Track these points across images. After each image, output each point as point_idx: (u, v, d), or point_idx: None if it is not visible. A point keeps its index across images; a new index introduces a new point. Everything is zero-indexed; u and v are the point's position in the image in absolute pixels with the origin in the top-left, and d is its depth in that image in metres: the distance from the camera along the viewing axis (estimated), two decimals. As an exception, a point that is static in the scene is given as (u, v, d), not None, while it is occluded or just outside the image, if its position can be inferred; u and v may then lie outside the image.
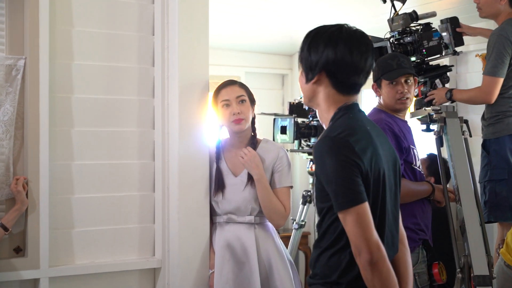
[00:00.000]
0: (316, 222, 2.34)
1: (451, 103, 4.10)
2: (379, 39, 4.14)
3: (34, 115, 3.23)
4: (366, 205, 2.11)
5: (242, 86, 3.40)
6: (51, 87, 3.27)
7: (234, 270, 3.30)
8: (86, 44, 3.40)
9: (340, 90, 2.26)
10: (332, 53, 2.18)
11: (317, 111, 2.37)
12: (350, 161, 2.12)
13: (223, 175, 3.39)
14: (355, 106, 2.30)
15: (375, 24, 5.05)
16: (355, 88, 2.27)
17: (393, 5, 4.18)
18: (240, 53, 6.41)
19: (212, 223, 3.45)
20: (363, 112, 2.34)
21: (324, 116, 2.31)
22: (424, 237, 3.58)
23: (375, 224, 2.14)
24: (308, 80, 2.29)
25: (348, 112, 2.26)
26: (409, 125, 3.71)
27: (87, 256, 3.41)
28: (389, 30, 4.16)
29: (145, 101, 3.51)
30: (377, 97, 3.72)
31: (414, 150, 3.61)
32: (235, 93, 3.34)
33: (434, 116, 3.82)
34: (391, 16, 4.15)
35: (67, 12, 3.34)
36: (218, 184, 3.40)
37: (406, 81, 3.59)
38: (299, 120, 4.50)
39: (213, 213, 3.43)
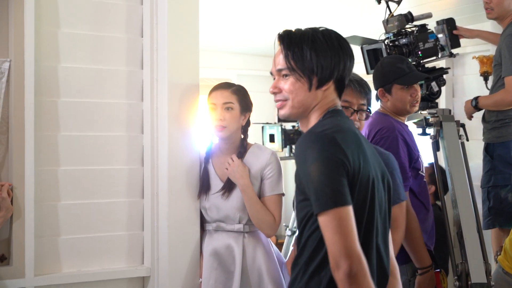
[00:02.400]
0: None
1: (477, 111, 4.19)
2: (374, 41, 4.17)
3: (19, 119, 3.22)
4: (350, 209, 1.96)
5: (236, 92, 3.38)
6: (37, 90, 3.26)
7: (221, 280, 3.31)
8: (73, 46, 3.40)
9: (339, 93, 2.26)
10: (349, 60, 2.21)
11: (300, 122, 2.31)
12: (336, 158, 2.00)
13: (209, 178, 3.40)
14: (341, 110, 2.26)
15: (369, 25, 5.06)
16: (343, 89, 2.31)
17: (388, 6, 4.21)
18: (232, 55, 6.44)
19: (203, 230, 3.45)
20: (348, 117, 2.35)
21: (312, 123, 2.24)
22: (428, 248, 3.57)
23: (359, 238, 1.98)
24: (314, 86, 2.22)
25: (336, 115, 2.20)
26: (410, 130, 3.73)
27: (74, 265, 3.39)
28: (384, 31, 4.18)
29: (134, 104, 3.50)
30: (380, 102, 3.74)
31: (420, 157, 3.63)
32: (223, 99, 3.33)
33: (430, 119, 3.85)
34: (386, 17, 4.18)
35: (53, 13, 3.33)
36: (202, 186, 3.39)
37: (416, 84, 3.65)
38: (289, 125, 4.54)
39: (203, 220, 3.43)
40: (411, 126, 4.12)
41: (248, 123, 3.44)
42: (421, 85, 4.08)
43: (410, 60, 4.01)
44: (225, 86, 3.41)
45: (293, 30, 2.26)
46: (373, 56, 4.17)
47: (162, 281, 3.43)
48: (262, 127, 4.64)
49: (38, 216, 3.29)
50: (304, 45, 2.19)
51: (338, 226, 1.93)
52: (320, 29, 2.23)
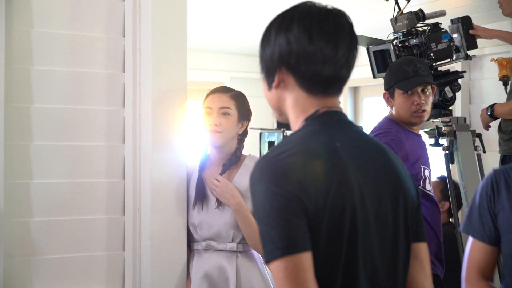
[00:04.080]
0: None
1: (494, 120, 4.17)
2: (381, 42, 4.17)
3: None
4: (304, 257, 1.73)
5: (234, 97, 3.40)
6: (7, 95, 3.23)
7: None
8: (48, 46, 3.36)
9: (310, 89, 1.91)
10: (284, 40, 1.88)
11: None
12: (287, 194, 1.75)
13: (204, 188, 3.41)
14: (330, 114, 1.93)
15: (376, 24, 5.15)
16: (327, 84, 1.90)
17: (397, 3, 4.23)
18: (225, 55, 6.46)
19: (190, 250, 3.44)
20: (345, 122, 1.97)
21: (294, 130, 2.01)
22: (434, 272, 3.50)
23: (335, 285, 1.79)
24: (269, 85, 1.97)
25: (313, 123, 1.90)
26: (423, 140, 3.71)
27: None
28: (392, 31, 4.18)
29: (114, 111, 3.48)
30: (388, 107, 3.72)
31: (425, 171, 3.58)
32: (220, 103, 3.36)
33: (443, 129, 3.82)
34: (395, 15, 4.18)
35: (25, 10, 3.32)
36: (198, 195, 3.40)
37: (423, 91, 3.59)
38: (289, 132, 4.54)
39: (191, 239, 3.43)
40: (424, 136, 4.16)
41: (245, 133, 3.46)
42: (433, 91, 4.12)
43: None
44: (223, 90, 3.45)
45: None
46: (380, 58, 4.17)
47: (144, 307, 3.45)
48: (260, 134, 4.55)
49: (8, 234, 3.26)
50: (266, 33, 1.96)
51: (287, 278, 1.73)
52: (292, 7, 1.94)
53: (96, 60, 3.48)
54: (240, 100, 3.43)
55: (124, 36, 3.49)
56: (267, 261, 1.76)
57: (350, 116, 8.14)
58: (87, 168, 3.46)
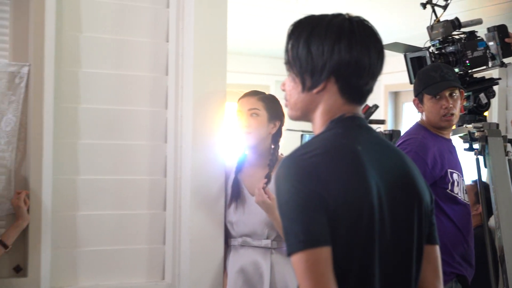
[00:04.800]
0: None
1: None
2: (418, 49, 4.15)
3: (38, 125, 3.29)
4: (324, 251, 1.79)
5: (263, 99, 3.45)
6: (57, 96, 3.32)
7: None
8: (95, 50, 3.44)
9: (351, 98, 1.97)
10: (347, 53, 1.91)
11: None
12: (310, 191, 1.81)
13: (241, 187, 3.46)
14: (354, 119, 1.99)
15: (413, 31, 5.12)
16: (365, 94, 2.00)
17: (433, 11, 4.19)
18: (269, 59, 6.43)
19: (227, 246, 3.49)
20: (366, 127, 2.03)
21: (316, 131, 2.03)
22: (460, 272, 3.57)
23: (350, 284, 1.84)
24: (306, 88, 1.97)
25: (337, 127, 1.95)
26: (453, 144, 3.71)
27: (91, 278, 3.45)
28: (429, 38, 4.17)
29: (157, 112, 3.55)
30: (419, 113, 3.73)
31: (454, 174, 3.60)
32: (249, 105, 3.42)
33: (476, 134, 3.81)
34: (431, 23, 4.16)
35: (75, 16, 3.39)
36: (233, 195, 3.45)
37: (451, 95, 3.60)
38: None
39: (228, 235, 3.48)
40: (458, 141, 4.12)
41: (279, 133, 3.49)
42: (468, 97, 4.08)
43: (457, 69, 4.02)
44: (252, 93, 3.50)
45: (306, 16, 2.04)
46: (417, 64, 4.15)
47: (183, 298, 3.46)
48: (302, 136, 4.58)
49: (55, 227, 3.35)
50: (302, 35, 1.97)
51: (308, 271, 1.79)
52: (336, 14, 1.98)
53: (141, 63, 3.55)
54: (269, 102, 3.47)
55: (168, 41, 3.55)
56: (289, 253, 1.81)
57: (390, 120, 8.03)
58: (131, 165, 3.54)
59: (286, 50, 2.01)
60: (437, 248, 2.09)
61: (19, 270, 3.34)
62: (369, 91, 1.97)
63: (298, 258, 1.78)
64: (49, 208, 3.32)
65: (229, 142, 3.62)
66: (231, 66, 3.76)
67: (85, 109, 3.42)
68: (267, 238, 3.36)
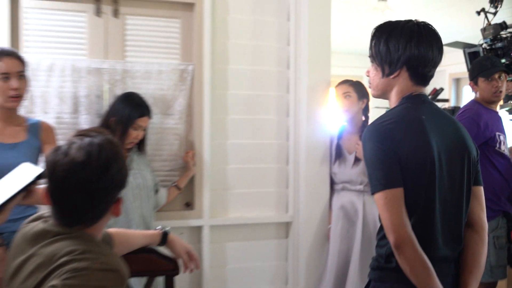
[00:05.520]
0: None
1: None
2: (473, 46, 4.60)
3: (199, 106, 3.72)
4: (398, 191, 1.96)
5: (352, 84, 3.89)
6: (212, 85, 3.75)
7: (345, 227, 3.78)
8: (238, 52, 3.85)
9: (418, 82, 2.14)
10: (416, 49, 2.07)
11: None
12: (387, 148, 1.98)
13: (341, 149, 3.85)
14: (419, 96, 2.14)
15: (470, 33, 5.39)
16: (428, 79, 2.16)
17: (486, 17, 4.60)
18: (360, 56, 6.61)
19: (332, 190, 3.96)
20: (428, 102, 2.17)
21: (392, 104, 2.20)
22: (505, 209, 3.91)
23: (418, 215, 2.00)
24: (385, 74, 2.15)
25: (407, 102, 2.12)
26: (500, 115, 4.06)
27: (237, 211, 3.90)
28: (482, 37, 4.55)
29: (281, 96, 3.97)
30: (473, 92, 4.10)
31: (500, 136, 3.93)
32: (343, 90, 3.91)
33: None
34: (484, 26, 4.54)
35: (224, 29, 3.82)
36: (336, 154, 3.86)
37: (499, 77, 3.99)
38: None
39: (332, 182, 3.97)
40: (504, 113, 4.46)
41: (367, 108, 3.94)
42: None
43: (504, 60, 4.42)
44: (344, 81, 3.97)
45: (384, 21, 2.19)
46: (473, 57, 4.57)
47: (301, 226, 3.89)
48: (386, 111, 5.09)
49: (213, 175, 3.80)
50: (383, 36, 2.14)
51: (387, 205, 1.95)
52: (407, 20, 2.14)
53: (269, 61, 3.94)
54: (357, 85, 3.87)
55: (289, 45, 3.98)
56: (373, 192, 2.00)
57: (453, 99, 8.63)
58: (263, 133, 3.94)
59: (370, 47, 2.20)
60: (482, 188, 2.22)
61: (188, 205, 3.83)
62: (431, 76, 2.17)
63: (379, 196, 1.98)
64: (208, 163, 3.75)
65: (332, 116, 3.98)
66: (333, 62, 4.06)
67: (232, 94, 3.86)
68: (360, 184, 3.81)
